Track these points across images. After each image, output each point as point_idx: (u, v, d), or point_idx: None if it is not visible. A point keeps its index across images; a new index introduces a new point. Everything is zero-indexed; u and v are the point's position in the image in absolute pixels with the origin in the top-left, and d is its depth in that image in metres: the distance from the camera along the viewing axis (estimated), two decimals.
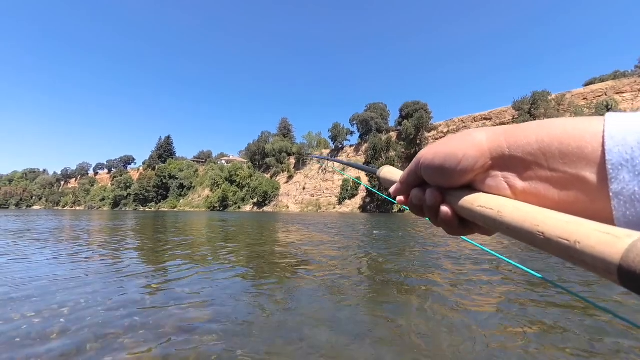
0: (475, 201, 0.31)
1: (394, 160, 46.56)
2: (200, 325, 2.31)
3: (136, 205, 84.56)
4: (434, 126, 50.51)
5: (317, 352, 1.93)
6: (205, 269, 4.28)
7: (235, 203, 64.10)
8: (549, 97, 39.87)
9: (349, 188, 50.54)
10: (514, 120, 40.39)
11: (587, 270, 0.22)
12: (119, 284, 3.42)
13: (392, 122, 58.33)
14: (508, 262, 0.39)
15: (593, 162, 0.24)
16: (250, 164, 72.78)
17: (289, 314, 2.58)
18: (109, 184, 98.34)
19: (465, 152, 0.32)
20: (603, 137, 0.24)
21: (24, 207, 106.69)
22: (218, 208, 64.61)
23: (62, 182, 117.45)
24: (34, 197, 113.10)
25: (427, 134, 49.48)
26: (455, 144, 0.33)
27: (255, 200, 62.51)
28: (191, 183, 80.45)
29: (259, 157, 71.23)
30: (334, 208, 51.41)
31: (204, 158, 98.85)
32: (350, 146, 62.22)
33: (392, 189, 0.44)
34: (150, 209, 79.32)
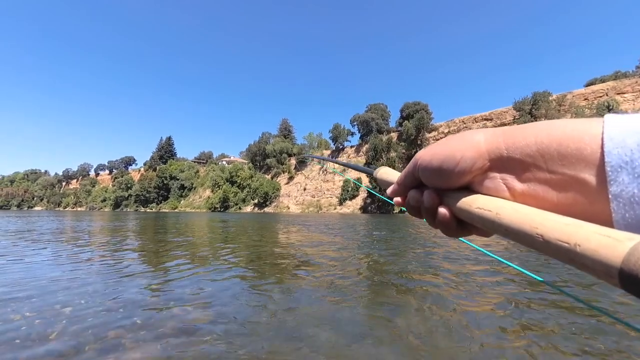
0: (473, 203, 0.31)
1: (394, 161, 46.57)
2: (200, 326, 2.31)
3: (137, 206, 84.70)
4: (434, 127, 50.54)
5: (318, 353, 1.93)
6: (206, 269, 4.28)
7: (236, 204, 64.16)
8: (550, 98, 39.86)
9: (350, 189, 50.54)
10: (515, 121, 40.37)
11: (587, 273, 0.21)
12: (119, 285, 3.42)
13: (392, 123, 58.40)
14: (507, 264, 0.39)
15: (592, 164, 0.24)
16: (251, 164, 72.86)
17: (289, 314, 2.58)
18: (110, 185, 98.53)
19: (463, 154, 0.31)
20: (602, 138, 0.24)
21: (26, 208, 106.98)
22: (219, 209, 64.68)
23: (64, 183, 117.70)
24: (35, 198, 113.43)
25: (427, 135, 49.50)
26: (453, 145, 0.33)
27: (256, 201, 62.56)
28: (192, 184, 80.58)
29: (259, 157, 71.30)
30: (335, 209, 51.41)
31: (204, 159, 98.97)
32: (351, 147, 62.28)
33: (389, 190, 0.43)
34: (151, 209, 79.41)
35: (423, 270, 4.23)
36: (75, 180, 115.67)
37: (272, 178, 66.25)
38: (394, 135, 53.81)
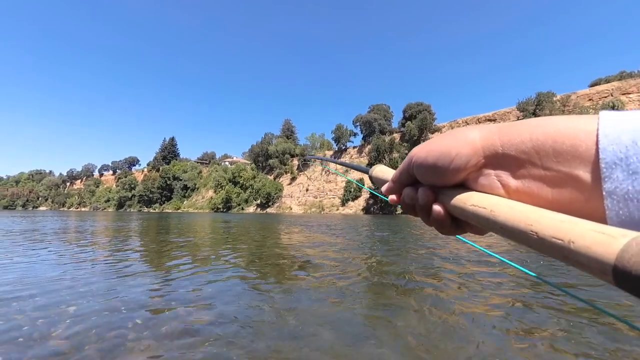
0: (468, 200, 0.31)
1: (397, 162, 46.43)
2: (202, 327, 2.32)
3: (140, 207, 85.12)
4: (437, 127, 50.40)
5: (320, 353, 1.93)
6: (208, 270, 4.30)
7: (239, 204, 64.28)
8: (554, 98, 39.62)
9: (352, 189, 50.47)
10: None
11: (582, 270, 0.21)
12: (122, 285, 3.44)
13: (395, 124, 58.31)
14: (508, 263, 0.38)
15: (587, 161, 0.24)
16: (253, 165, 72.99)
17: (291, 315, 2.58)
18: (114, 185, 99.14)
19: (458, 151, 0.31)
20: (597, 135, 0.24)
21: (30, 208, 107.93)
22: (221, 209, 64.83)
23: (68, 183, 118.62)
24: (40, 198, 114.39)
25: (430, 135, 49.35)
26: (448, 142, 0.32)
27: (258, 201, 62.65)
28: (195, 184, 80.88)
29: (262, 158, 71.42)
30: (337, 210, 51.37)
31: (207, 159, 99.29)
32: (354, 148, 62.21)
33: (384, 188, 0.43)
34: (155, 210, 79.79)
35: (424, 271, 4.22)
36: (79, 180, 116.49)
37: (274, 179, 66.34)
38: (397, 136, 53.72)
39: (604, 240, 0.20)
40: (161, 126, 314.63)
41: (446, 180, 0.33)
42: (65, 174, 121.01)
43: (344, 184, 53.04)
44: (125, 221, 18.27)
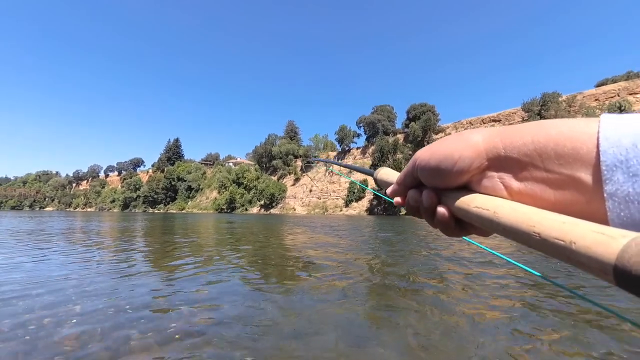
0: (471, 202, 0.31)
1: (400, 163, 46.29)
2: (206, 327, 2.33)
3: (145, 207, 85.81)
4: (441, 128, 50.17)
5: (322, 354, 1.93)
6: (212, 270, 4.31)
7: (243, 205, 64.51)
8: (560, 99, 39.25)
9: (356, 190, 50.40)
10: (523, 122, 39.69)
11: (584, 270, 0.22)
12: (127, 285, 3.46)
13: (399, 124, 58.16)
14: (515, 264, 0.39)
15: (588, 163, 0.25)
16: (257, 166, 73.23)
17: (294, 316, 2.58)
18: (119, 186, 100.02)
19: (461, 153, 0.32)
20: (598, 138, 0.24)
21: (37, 209, 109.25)
22: (225, 210, 65.10)
23: (74, 184, 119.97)
24: (46, 199, 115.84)
25: (434, 136, 49.14)
26: (451, 145, 0.33)
27: (262, 202, 62.82)
28: (199, 185, 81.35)
29: (265, 159, 71.67)
30: (341, 210, 51.33)
31: (211, 160, 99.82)
32: (357, 148, 62.18)
33: (388, 190, 0.44)
34: (159, 210, 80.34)
35: (428, 272, 4.20)
36: (85, 181, 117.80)
37: (278, 179, 66.51)
38: (401, 136, 53.58)
39: (604, 240, 0.20)
40: (165, 127, 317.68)
41: (450, 182, 0.34)
42: (71, 174, 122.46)
43: (347, 185, 53.00)
44: (131, 222, 18.41)
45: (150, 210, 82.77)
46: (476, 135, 0.32)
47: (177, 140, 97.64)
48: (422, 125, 48.52)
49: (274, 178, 67.32)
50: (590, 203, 0.25)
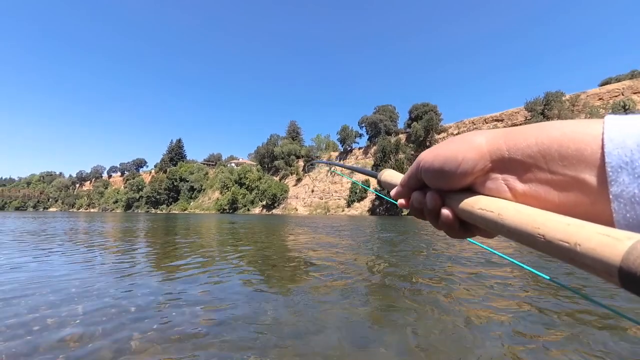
0: (475, 204, 0.31)
1: (403, 163, 46.19)
2: (209, 328, 2.33)
3: (148, 208, 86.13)
4: (444, 128, 50.00)
5: (326, 354, 1.92)
6: (215, 271, 4.32)
7: (245, 205, 64.59)
8: (563, 98, 39.00)
9: (358, 191, 50.35)
10: (527, 122, 39.56)
11: (588, 272, 0.22)
12: (129, 285, 3.48)
13: (401, 124, 58.03)
14: (519, 265, 0.39)
15: (592, 165, 0.24)
16: (259, 166, 73.31)
17: (296, 316, 2.58)
18: (122, 187, 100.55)
19: (465, 155, 0.32)
20: (602, 139, 0.24)
21: (41, 209, 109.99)
22: (228, 210, 65.22)
23: (77, 185, 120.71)
24: (50, 200, 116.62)
25: (437, 136, 48.99)
26: (455, 147, 0.33)
27: (264, 202, 62.89)
28: (201, 186, 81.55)
29: (267, 159, 71.71)
30: (343, 211, 51.28)
31: (213, 161, 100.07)
32: (359, 149, 62.08)
33: (392, 192, 0.44)
34: (162, 211, 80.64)
35: (431, 273, 4.18)
36: (88, 182, 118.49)
37: (280, 180, 66.54)
38: (403, 136, 53.44)
39: (609, 242, 0.20)
40: (167, 128, 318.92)
41: (453, 184, 0.34)
42: (74, 175, 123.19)
43: (349, 185, 52.94)
44: (133, 222, 18.49)
45: (153, 210, 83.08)
46: (480, 137, 0.32)
47: (179, 140, 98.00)
48: (425, 125, 48.34)
49: (276, 178, 67.36)
50: (595, 204, 0.25)
